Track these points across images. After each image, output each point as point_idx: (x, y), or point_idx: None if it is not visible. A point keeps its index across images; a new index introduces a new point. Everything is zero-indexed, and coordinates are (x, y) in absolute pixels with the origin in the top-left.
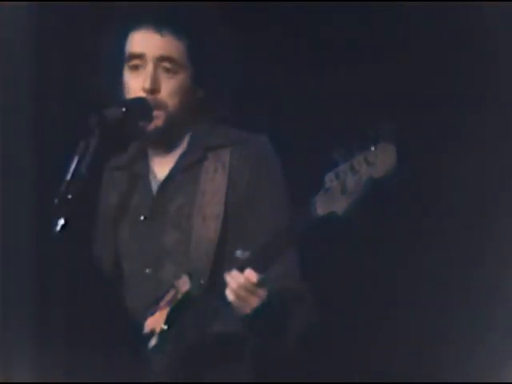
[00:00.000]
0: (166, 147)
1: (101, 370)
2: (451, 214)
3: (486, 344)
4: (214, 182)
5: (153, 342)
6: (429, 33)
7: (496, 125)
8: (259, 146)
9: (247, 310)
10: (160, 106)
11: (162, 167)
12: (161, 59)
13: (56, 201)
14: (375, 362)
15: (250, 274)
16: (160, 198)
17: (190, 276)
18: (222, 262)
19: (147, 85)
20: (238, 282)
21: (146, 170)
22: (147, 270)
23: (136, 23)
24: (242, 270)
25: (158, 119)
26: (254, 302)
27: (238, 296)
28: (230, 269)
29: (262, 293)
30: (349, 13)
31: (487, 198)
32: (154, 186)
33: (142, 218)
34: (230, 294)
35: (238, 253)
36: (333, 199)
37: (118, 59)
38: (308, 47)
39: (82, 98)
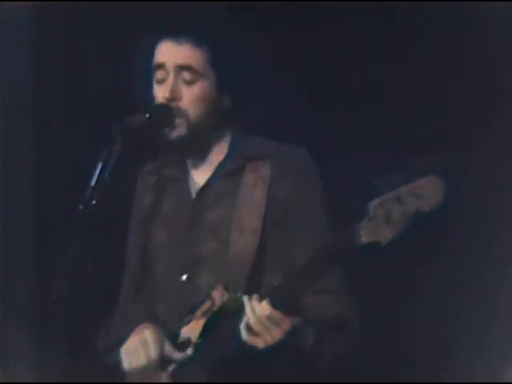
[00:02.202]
0: (198, 155)
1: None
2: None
3: (485, 344)
4: (252, 197)
5: (188, 352)
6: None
7: None
8: (299, 159)
9: (264, 343)
10: (181, 114)
11: (200, 174)
12: (180, 68)
13: (81, 207)
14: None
15: (265, 307)
16: (198, 204)
17: (227, 288)
18: (259, 276)
19: (166, 94)
20: (254, 315)
21: (185, 176)
22: (183, 277)
23: (159, 34)
24: (276, 295)
25: (181, 127)
26: (276, 333)
27: (254, 329)
28: (265, 289)
29: (285, 325)
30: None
31: None
32: (193, 193)
33: (184, 225)
34: (245, 328)
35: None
36: (377, 228)
37: (148, 70)
38: (351, 57)
39: (106, 105)
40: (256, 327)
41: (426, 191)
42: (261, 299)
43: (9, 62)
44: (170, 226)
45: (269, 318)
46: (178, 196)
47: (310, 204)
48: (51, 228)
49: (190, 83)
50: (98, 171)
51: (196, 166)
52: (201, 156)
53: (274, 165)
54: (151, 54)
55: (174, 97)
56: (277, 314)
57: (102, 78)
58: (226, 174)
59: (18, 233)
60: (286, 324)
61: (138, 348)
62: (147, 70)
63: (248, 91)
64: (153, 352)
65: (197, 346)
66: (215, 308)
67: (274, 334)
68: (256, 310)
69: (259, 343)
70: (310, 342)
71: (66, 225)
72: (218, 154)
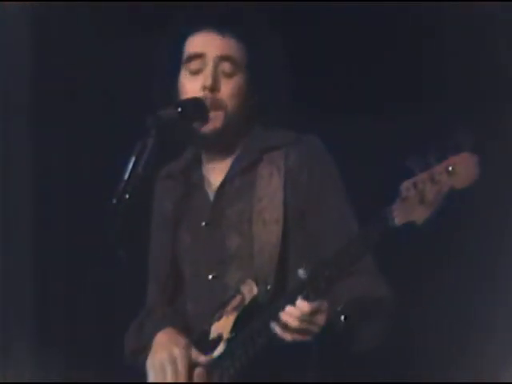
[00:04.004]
0: (221, 151)
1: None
2: None
3: (485, 344)
4: (270, 187)
5: (221, 348)
6: None
7: None
8: (312, 146)
9: (307, 336)
10: (220, 105)
11: (216, 173)
12: (221, 59)
13: (114, 200)
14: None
15: (303, 305)
16: (218, 203)
17: (256, 282)
18: (286, 266)
19: (208, 82)
20: (293, 316)
21: (201, 178)
22: (211, 276)
23: (197, 26)
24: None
25: (217, 120)
26: (313, 329)
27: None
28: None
29: (321, 319)
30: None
31: None
32: (211, 193)
33: (203, 223)
34: (284, 332)
35: (300, 272)
36: (411, 209)
37: (174, 63)
38: (375, 47)
39: (137, 99)
40: (299, 326)
41: (459, 168)
42: (294, 298)
43: (8, 63)
44: (193, 228)
45: (311, 313)
46: (197, 198)
47: (330, 190)
48: (51, 228)
49: (229, 75)
50: (131, 165)
51: (213, 165)
52: (221, 153)
53: (288, 153)
54: (179, 46)
55: (215, 86)
56: (315, 305)
57: (108, 75)
58: (242, 168)
59: (18, 233)
60: (325, 310)
61: (166, 366)
62: (172, 62)
63: (278, 88)
64: (181, 370)
65: (229, 341)
66: (245, 302)
67: (319, 322)
68: (294, 312)
69: (298, 337)
70: (345, 325)
71: (66, 225)
72: (233, 151)
